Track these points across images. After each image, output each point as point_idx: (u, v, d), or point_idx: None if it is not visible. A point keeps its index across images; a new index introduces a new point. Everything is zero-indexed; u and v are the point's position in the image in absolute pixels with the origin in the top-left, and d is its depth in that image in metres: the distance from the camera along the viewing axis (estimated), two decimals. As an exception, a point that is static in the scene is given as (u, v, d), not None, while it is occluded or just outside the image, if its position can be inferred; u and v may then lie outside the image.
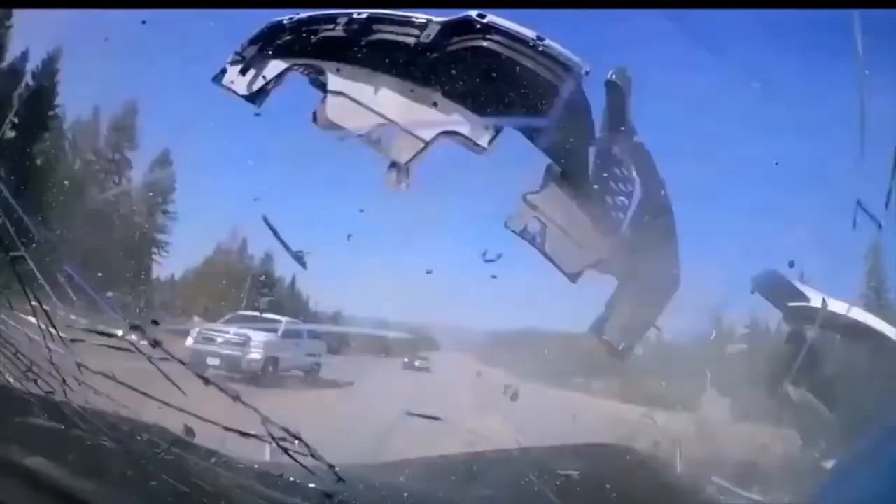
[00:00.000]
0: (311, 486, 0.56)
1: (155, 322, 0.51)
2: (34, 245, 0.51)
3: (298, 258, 0.63)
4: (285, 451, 0.54)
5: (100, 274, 0.46)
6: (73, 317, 0.53)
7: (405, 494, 0.57)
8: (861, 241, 0.46)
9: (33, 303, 0.51)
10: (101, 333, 0.52)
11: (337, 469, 0.55)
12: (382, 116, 1.11)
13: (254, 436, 0.54)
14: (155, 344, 0.50)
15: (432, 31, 1.06)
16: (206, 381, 0.51)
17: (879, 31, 0.49)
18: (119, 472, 0.62)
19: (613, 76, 1.07)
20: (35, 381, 0.59)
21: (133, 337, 0.51)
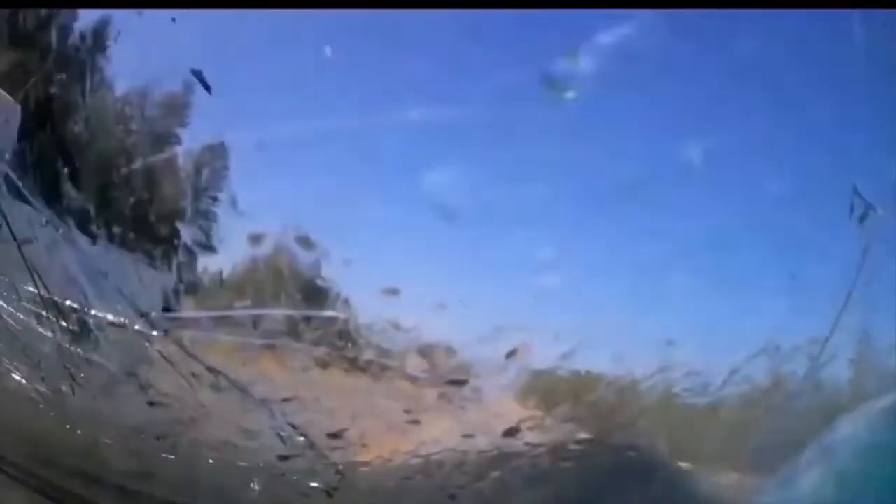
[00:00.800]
0: (314, 484, 0.56)
1: (166, 309, 0.51)
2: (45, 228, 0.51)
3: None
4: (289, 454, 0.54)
5: (121, 256, 0.46)
6: (80, 306, 0.53)
7: (408, 493, 0.57)
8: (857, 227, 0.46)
9: (43, 293, 0.51)
10: (110, 323, 0.52)
11: (340, 467, 0.55)
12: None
13: (258, 431, 0.54)
14: (165, 333, 0.50)
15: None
16: (215, 372, 0.51)
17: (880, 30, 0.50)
18: (122, 470, 0.63)
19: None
20: (43, 378, 0.59)
21: (142, 326, 0.51)
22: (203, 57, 0.50)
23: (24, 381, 0.60)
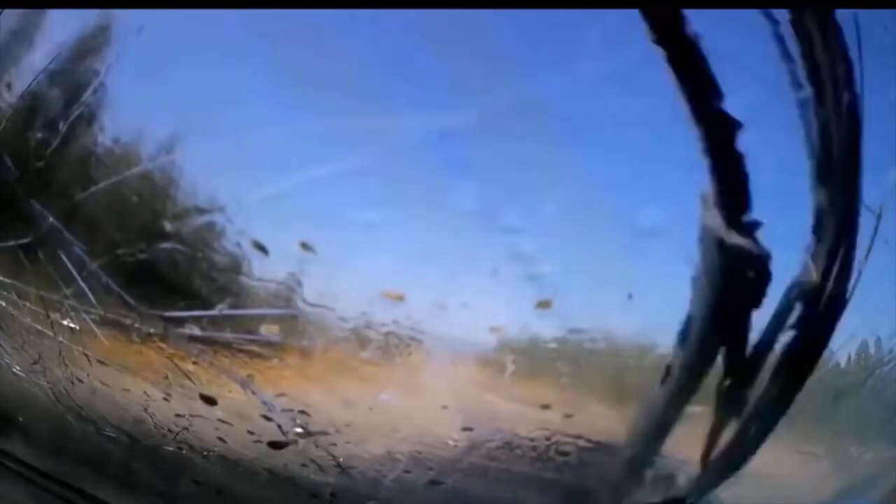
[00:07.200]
0: (314, 478, 0.56)
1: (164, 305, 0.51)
2: (42, 230, 0.51)
3: None
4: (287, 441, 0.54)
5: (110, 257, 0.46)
6: (78, 304, 0.53)
7: (410, 487, 0.58)
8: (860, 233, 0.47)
9: (41, 292, 0.51)
10: (110, 321, 0.52)
11: (341, 461, 0.55)
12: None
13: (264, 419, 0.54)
14: (165, 329, 0.51)
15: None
16: (215, 368, 0.51)
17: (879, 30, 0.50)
18: (121, 466, 0.63)
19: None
20: (43, 374, 0.59)
21: (141, 323, 0.51)
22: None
23: (24, 375, 0.60)
